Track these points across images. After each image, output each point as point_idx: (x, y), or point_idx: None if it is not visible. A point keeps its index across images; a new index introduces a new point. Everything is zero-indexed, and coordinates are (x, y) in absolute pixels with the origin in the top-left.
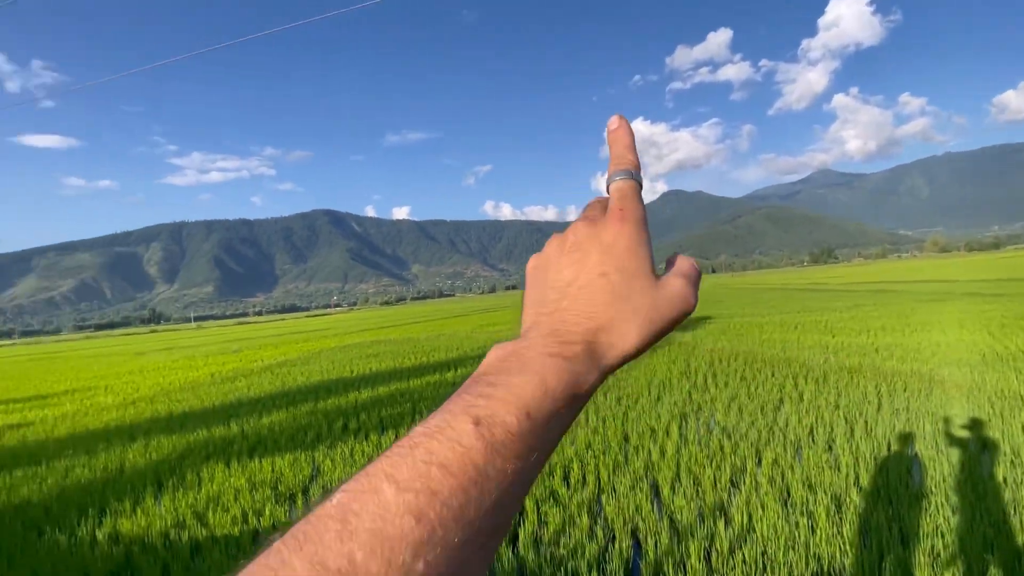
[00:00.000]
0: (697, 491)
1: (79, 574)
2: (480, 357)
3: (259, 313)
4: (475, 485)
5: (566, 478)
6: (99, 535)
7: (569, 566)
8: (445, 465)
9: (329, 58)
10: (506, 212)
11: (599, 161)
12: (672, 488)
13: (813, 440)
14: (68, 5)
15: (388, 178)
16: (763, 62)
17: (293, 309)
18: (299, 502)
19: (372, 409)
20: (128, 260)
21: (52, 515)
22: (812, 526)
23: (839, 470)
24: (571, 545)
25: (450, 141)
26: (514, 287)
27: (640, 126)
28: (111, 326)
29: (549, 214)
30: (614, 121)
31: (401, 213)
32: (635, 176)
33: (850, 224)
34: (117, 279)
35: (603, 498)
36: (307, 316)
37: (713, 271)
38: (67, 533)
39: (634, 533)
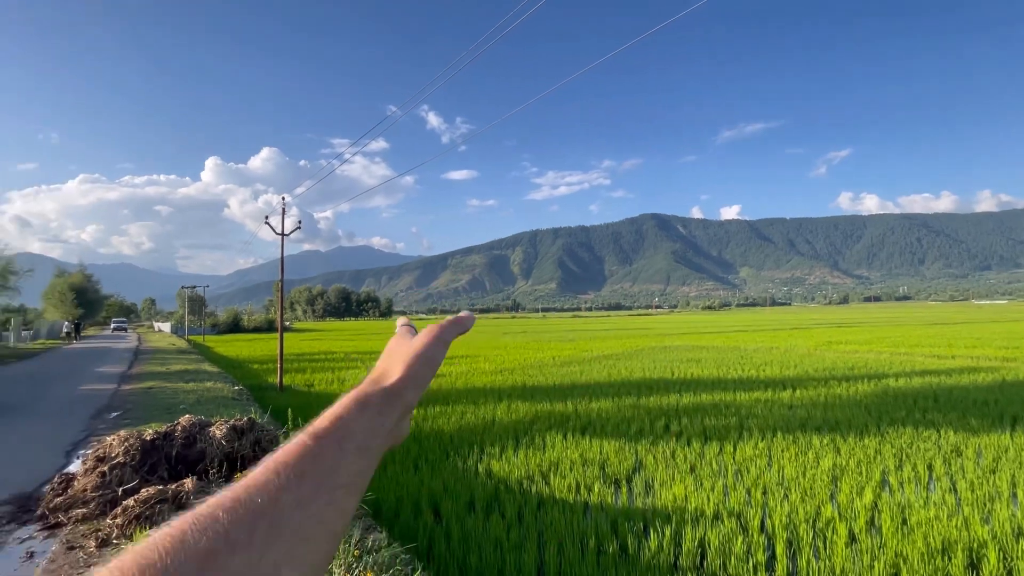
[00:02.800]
0: None
1: (468, 493)
2: (826, 379)
3: (589, 309)
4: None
5: (974, 566)
6: (480, 468)
7: None
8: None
9: (664, 62)
10: (870, 204)
11: None
12: None
13: None
14: (476, 75)
15: (718, 176)
16: None
17: (618, 307)
18: (623, 489)
19: (694, 415)
20: (500, 261)
21: (454, 444)
22: None
23: None
24: None
25: (796, 127)
26: (876, 298)
27: None
28: (488, 311)
29: (943, 204)
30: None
31: (730, 213)
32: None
33: None
34: (493, 275)
35: None
36: (629, 315)
37: None
38: (462, 460)
39: None
